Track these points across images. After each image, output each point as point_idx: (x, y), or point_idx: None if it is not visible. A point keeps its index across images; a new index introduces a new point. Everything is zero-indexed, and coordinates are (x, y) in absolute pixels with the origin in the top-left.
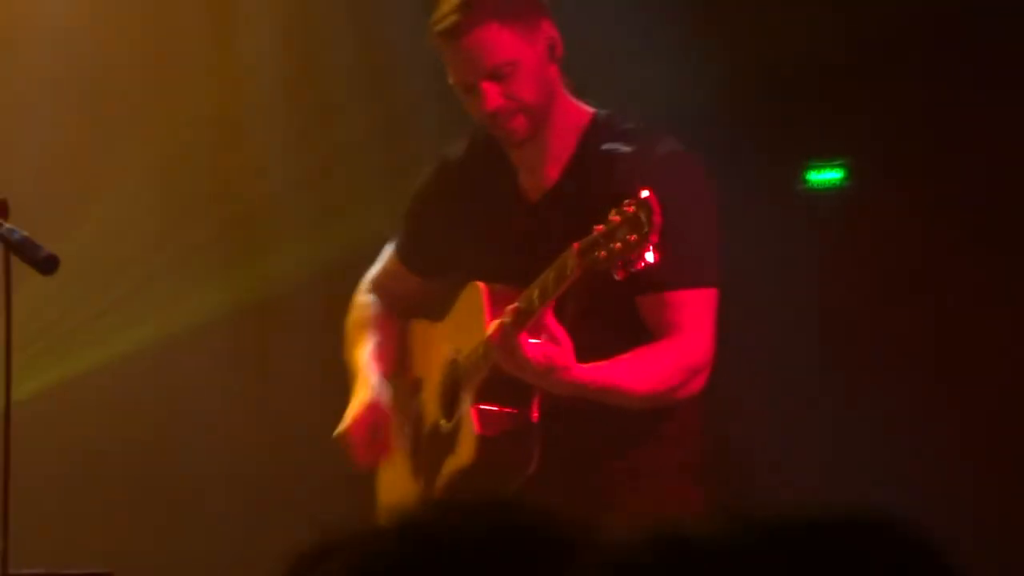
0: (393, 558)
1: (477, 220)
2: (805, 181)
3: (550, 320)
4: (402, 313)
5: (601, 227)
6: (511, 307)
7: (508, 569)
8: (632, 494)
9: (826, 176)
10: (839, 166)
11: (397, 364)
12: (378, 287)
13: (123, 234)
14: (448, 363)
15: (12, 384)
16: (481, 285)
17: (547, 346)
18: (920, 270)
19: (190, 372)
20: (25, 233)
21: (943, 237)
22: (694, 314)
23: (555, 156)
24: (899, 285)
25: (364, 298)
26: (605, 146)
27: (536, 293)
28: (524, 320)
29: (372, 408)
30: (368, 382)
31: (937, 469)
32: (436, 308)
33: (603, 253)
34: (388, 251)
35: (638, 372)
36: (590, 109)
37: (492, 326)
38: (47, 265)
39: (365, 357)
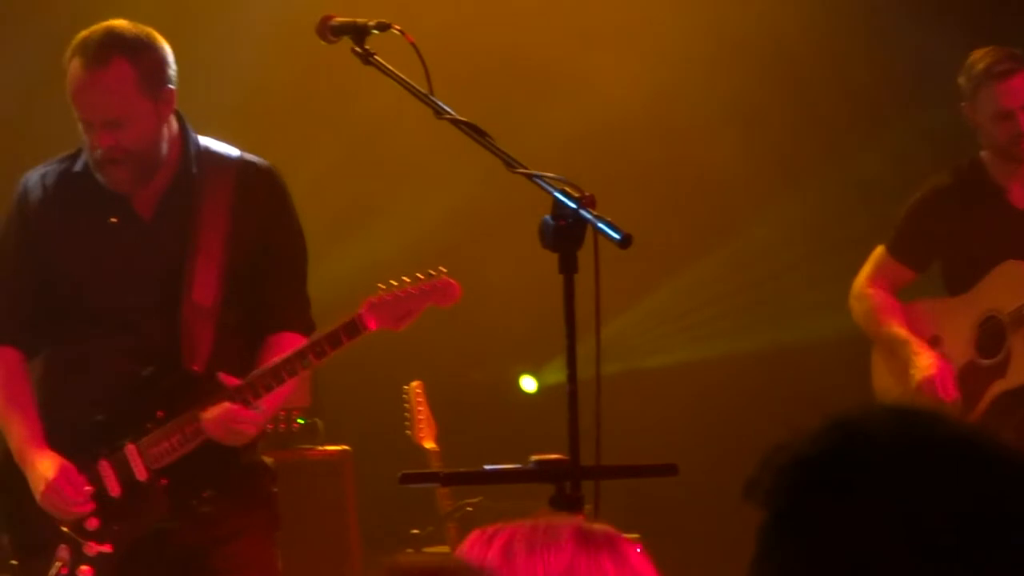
0: (822, 444)
1: (969, 226)
2: None
3: None
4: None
5: None
6: None
7: (909, 460)
8: None
9: None
10: None
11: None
12: (872, 283)
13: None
14: (983, 321)
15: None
16: (1020, 262)
17: None
18: None
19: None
20: (608, 219)
21: None
22: None
23: None
24: None
25: (868, 291)
26: None
27: None
28: None
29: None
30: (922, 348)
31: None
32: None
33: None
34: (877, 255)
35: None
36: None
37: None
38: (624, 243)
39: (904, 332)
